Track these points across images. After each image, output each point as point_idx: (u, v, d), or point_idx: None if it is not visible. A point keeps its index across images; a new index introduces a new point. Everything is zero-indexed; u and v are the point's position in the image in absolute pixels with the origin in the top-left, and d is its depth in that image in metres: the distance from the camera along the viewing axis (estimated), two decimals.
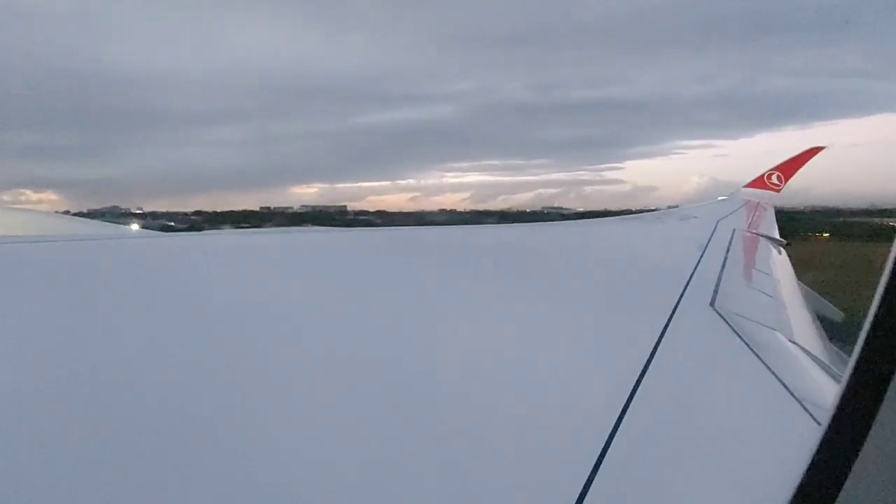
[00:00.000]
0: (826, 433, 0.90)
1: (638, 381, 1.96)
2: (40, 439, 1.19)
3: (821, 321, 6.19)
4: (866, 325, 0.88)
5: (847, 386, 0.89)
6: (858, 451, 0.85)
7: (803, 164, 17.49)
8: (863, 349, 0.88)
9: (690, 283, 4.15)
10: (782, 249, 10.21)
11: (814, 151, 17.46)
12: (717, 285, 4.36)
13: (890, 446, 0.84)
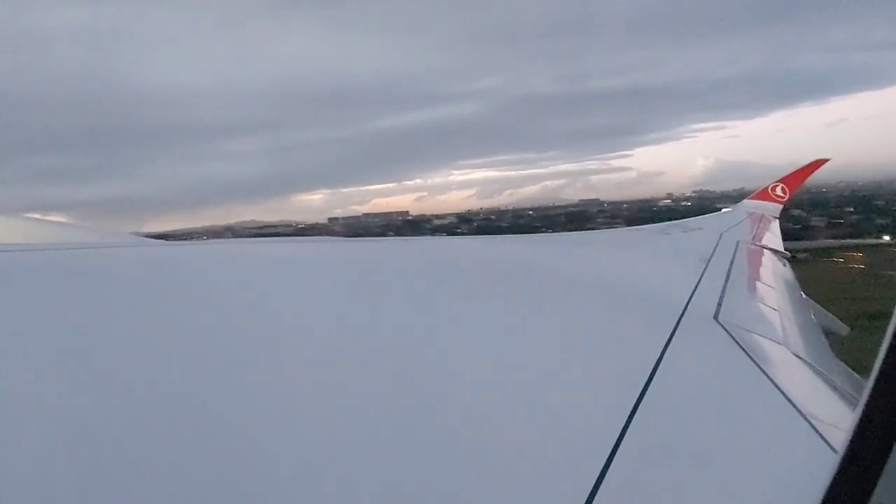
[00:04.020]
0: (845, 455, 0.89)
1: (641, 396, 1.96)
2: (59, 445, 1.20)
3: (826, 335, 6.16)
4: (885, 345, 0.88)
5: (865, 408, 0.88)
6: (878, 475, 0.84)
7: (807, 176, 17.54)
8: (882, 369, 0.87)
9: (694, 296, 4.15)
10: (786, 262, 10.18)
11: (818, 164, 17.53)
12: (721, 298, 4.35)
13: None
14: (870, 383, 0.88)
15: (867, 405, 0.88)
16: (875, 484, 0.85)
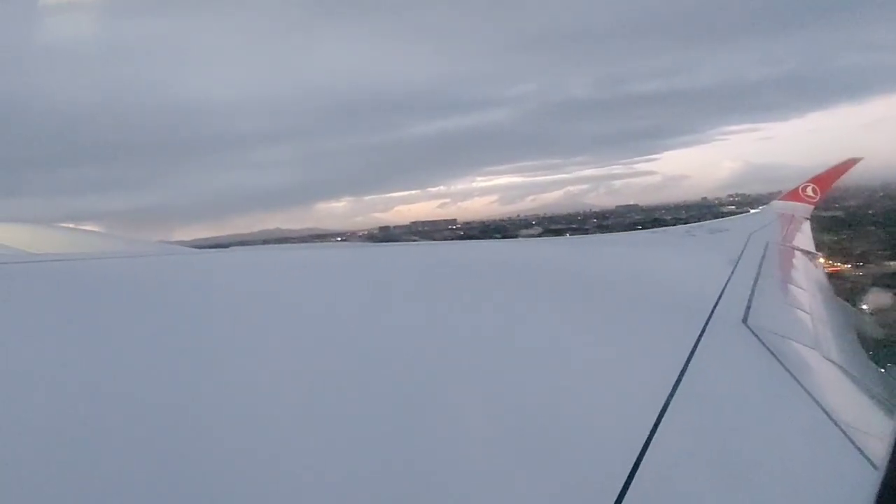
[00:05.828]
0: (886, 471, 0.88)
1: (666, 403, 1.93)
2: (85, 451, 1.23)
3: (859, 338, 6.01)
4: None
5: None
6: None
7: (839, 176, 17.16)
8: None
9: (721, 300, 4.08)
10: (819, 263, 9.98)
11: (850, 163, 17.14)
12: (750, 301, 4.28)
13: None
14: None
15: None
16: None
